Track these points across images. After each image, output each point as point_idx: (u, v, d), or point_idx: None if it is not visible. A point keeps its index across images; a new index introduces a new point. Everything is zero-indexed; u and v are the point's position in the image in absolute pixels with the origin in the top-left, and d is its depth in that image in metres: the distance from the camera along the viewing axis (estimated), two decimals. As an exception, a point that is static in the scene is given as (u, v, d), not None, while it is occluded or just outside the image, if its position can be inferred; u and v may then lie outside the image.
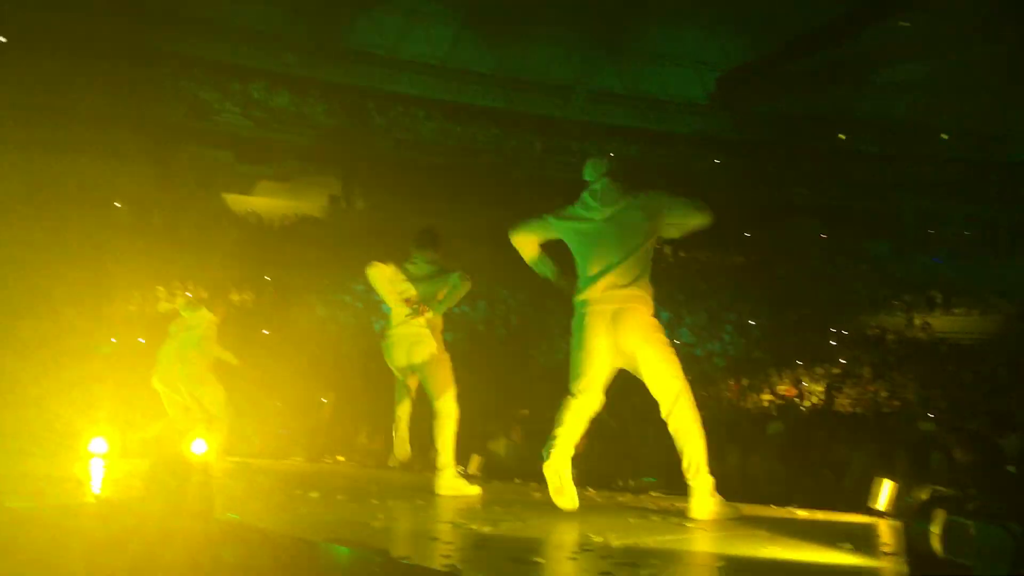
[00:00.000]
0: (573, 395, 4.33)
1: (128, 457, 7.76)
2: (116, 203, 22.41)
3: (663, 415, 4.17)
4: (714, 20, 30.55)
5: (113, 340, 12.89)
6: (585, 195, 4.44)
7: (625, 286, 4.22)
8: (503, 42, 30.61)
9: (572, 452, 4.35)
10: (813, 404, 18.54)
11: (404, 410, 5.63)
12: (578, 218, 4.41)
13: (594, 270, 4.30)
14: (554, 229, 4.51)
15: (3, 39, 22.52)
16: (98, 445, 7.98)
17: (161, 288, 17.31)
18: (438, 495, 5.07)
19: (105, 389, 8.78)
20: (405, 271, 5.45)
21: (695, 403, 4.14)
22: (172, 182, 25.09)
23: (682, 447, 4.09)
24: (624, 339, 4.20)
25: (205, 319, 8.13)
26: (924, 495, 2.83)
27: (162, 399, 8.27)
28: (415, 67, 30.18)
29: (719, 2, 28.91)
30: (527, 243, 4.63)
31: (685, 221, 4.34)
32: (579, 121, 31.35)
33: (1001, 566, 2.18)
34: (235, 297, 19.61)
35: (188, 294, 16.46)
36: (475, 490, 5.22)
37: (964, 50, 27.25)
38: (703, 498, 4.02)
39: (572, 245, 4.44)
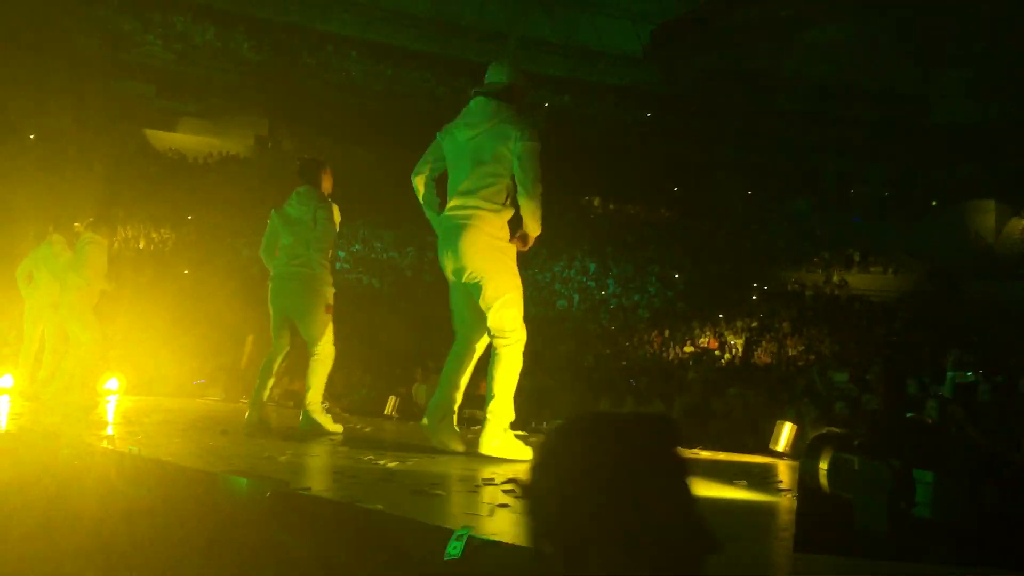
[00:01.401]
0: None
1: (30, 395, 7.58)
2: (30, 135, 21.55)
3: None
4: (651, -29, 30.52)
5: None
6: (465, 109, 4.19)
7: (466, 206, 3.99)
8: (438, -16, 30.11)
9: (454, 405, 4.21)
10: (732, 356, 19.02)
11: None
12: (450, 132, 4.17)
13: (450, 189, 4.12)
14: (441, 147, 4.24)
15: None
16: (5, 381, 7.81)
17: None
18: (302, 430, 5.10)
19: (10, 324, 8.51)
20: (283, 213, 5.38)
21: (518, 342, 3.99)
22: (89, 114, 24.19)
23: (489, 377, 3.99)
24: (458, 255, 3.99)
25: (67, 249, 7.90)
26: (816, 435, 2.93)
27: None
28: (346, 5, 29.47)
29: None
30: (418, 181, 4.31)
31: (517, 176, 3.98)
32: (512, 69, 31.11)
33: (880, 499, 2.27)
34: (154, 235, 19.16)
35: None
36: (337, 428, 5.21)
37: (885, 13, 27.75)
38: (494, 433, 3.97)
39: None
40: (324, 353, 5.27)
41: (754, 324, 21.18)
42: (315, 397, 5.22)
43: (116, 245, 9.28)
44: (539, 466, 1.23)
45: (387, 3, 29.95)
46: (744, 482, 3.26)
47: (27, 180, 16.11)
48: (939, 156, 30.33)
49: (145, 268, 14.45)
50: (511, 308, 3.99)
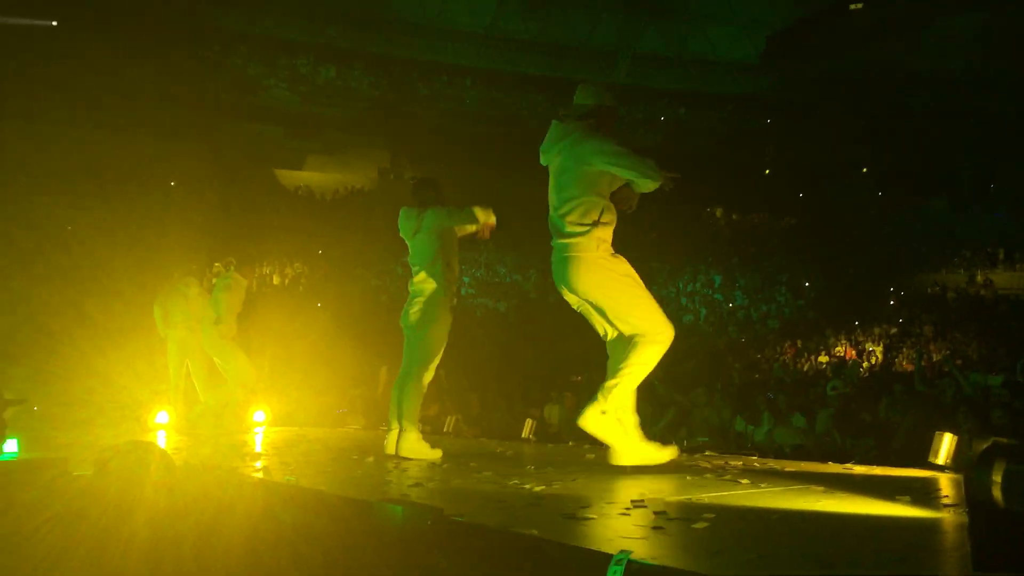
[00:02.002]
0: None
1: (190, 429, 7.96)
2: (171, 182, 22.81)
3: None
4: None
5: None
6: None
7: (560, 233, 4.06)
8: (546, 8, 30.34)
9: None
10: (871, 364, 18.29)
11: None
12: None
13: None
14: None
15: (55, 22, 22.93)
16: (163, 417, 8.22)
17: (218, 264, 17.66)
18: (403, 456, 5.02)
19: (165, 362, 8.96)
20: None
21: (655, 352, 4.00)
22: (223, 159, 25.45)
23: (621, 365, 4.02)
24: (570, 288, 4.07)
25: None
26: (984, 447, 2.78)
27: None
28: (458, 36, 30.09)
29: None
30: None
31: (626, 176, 3.99)
32: (625, 85, 31.01)
33: (1063, 513, 2.14)
34: (288, 270, 19.91)
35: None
36: (436, 453, 5.07)
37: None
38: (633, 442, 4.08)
39: None
40: (421, 375, 5.20)
41: (893, 331, 20.31)
42: (413, 420, 5.13)
43: (253, 283, 9.81)
44: None
45: (496, 29, 30.41)
46: (907, 497, 3.11)
47: (170, 224, 17.02)
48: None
49: (282, 303, 15.03)
50: (642, 310, 4.01)
